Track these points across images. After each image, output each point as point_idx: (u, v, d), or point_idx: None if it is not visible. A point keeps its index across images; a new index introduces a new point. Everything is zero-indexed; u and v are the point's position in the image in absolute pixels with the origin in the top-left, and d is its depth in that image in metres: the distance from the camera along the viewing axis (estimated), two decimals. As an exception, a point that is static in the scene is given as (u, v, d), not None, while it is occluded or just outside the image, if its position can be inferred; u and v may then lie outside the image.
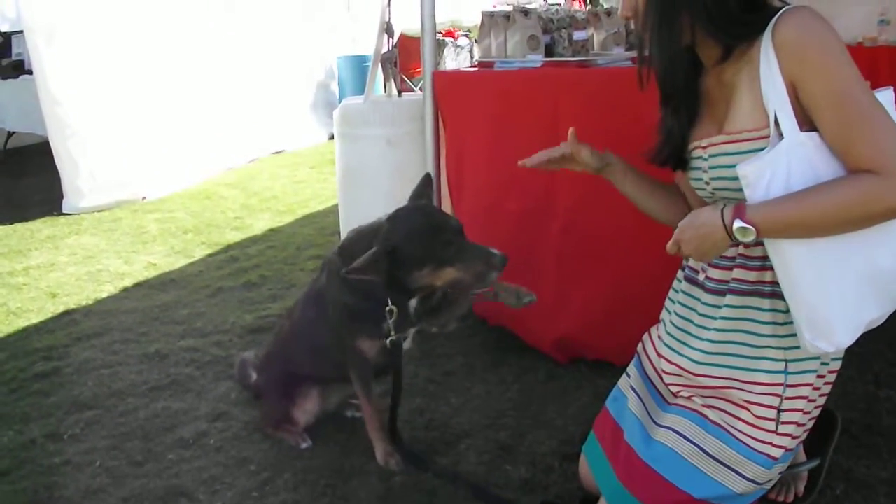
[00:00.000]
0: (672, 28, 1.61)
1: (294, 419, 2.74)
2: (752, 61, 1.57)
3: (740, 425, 1.71)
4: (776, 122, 1.52)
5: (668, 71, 1.69)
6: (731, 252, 1.71)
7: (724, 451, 1.72)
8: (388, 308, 2.34)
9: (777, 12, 1.54)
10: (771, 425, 1.68)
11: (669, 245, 1.68)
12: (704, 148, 1.71)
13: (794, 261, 1.55)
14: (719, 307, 1.74)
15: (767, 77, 1.52)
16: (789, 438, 1.69)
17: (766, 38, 1.52)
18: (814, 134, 1.50)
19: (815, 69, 1.48)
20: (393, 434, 2.57)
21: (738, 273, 1.70)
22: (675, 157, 1.81)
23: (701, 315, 1.79)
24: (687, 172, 1.82)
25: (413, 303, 2.44)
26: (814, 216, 1.47)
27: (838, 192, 1.46)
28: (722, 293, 1.74)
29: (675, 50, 1.65)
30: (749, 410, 1.70)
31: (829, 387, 1.75)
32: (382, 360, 2.53)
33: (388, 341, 2.39)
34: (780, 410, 1.67)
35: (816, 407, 1.74)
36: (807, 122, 1.52)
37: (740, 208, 1.53)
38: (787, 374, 1.66)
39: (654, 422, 1.87)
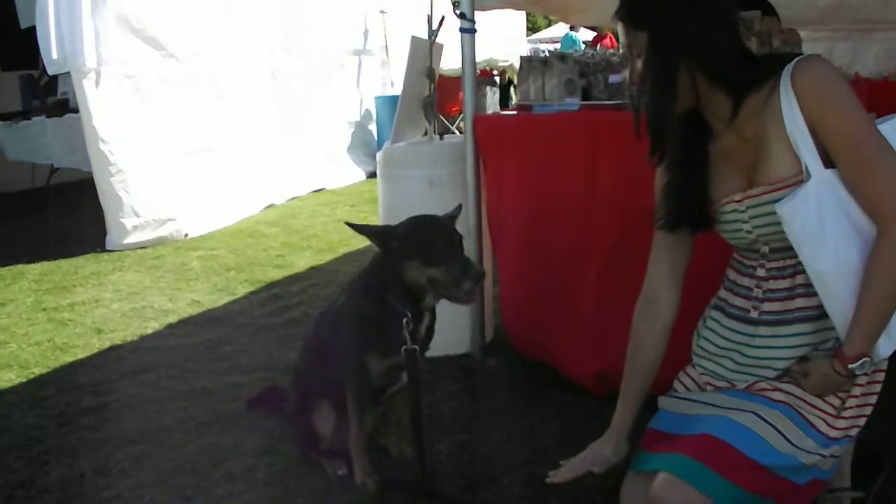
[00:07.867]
0: (669, 86, 1.70)
1: (319, 433, 2.80)
2: (776, 111, 1.66)
3: (804, 405, 1.75)
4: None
5: (659, 129, 1.77)
6: (786, 283, 1.77)
7: (786, 425, 1.73)
8: (406, 319, 2.49)
9: (786, 59, 1.66)
10: (834, 410, 1.75)
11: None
12: (739, 201, 1.78)
13: (829, 284, 1.66)
14: (786, 336, 1.78)
15: (792, 123, 1.64)
16: (845, 421, 1.75)
17: (786, 85, 1.64)
18: (837, 170, 1.63)
19: (832, 113, 1.61)
20: (422, 466, 2.57)
21: (800, 302, 1.76)
22: (693, 218, 1.90)
23: (757, 348, 1.82)
24: (716, 227, 1.89)
25: (423, 325, 2.61)
26: (881, 306, 1.62)
27: (873, 276, 1.60)
28: (787, 322, 1.78)
29: (668, 109, 1.73)
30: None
31: (880, 385, 1.80)
32: (385, 382, 2.64)
33: (402, 349, 2.50)
34: (844, 399, 1.75)
35: (873, 394, 1.79)
36: (830, 160, 1.64)
37: (842, 357, 1.66)
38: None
39: (713, 405, 1.86)
